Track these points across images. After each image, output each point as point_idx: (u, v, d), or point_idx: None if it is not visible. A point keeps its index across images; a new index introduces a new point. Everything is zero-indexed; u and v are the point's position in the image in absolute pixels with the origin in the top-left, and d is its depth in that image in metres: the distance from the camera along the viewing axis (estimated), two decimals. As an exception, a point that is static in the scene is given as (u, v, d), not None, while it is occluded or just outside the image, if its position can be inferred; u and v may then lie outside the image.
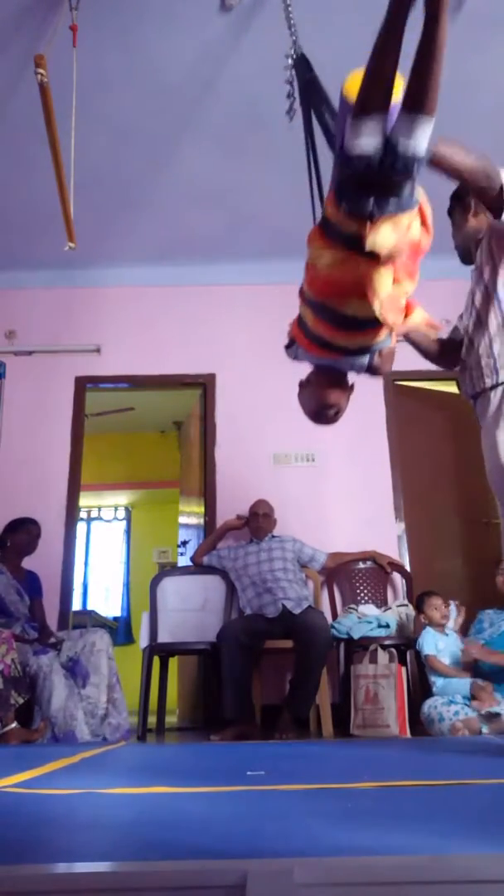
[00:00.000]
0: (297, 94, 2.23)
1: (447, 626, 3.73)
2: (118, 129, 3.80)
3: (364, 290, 1.54)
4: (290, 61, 2.32)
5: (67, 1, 2.95)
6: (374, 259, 1.50)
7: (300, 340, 1.80)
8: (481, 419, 2.07)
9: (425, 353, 2.33)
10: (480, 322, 2.09)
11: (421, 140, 1.42)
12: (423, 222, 1.57)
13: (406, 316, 1.68)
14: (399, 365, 4.65)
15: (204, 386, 4.88)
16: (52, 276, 4.97)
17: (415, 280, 1.63)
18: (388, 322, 1.61)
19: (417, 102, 1.39)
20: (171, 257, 4.93)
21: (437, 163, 1.72)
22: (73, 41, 2.92)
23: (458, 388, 2.20)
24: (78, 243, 3.23)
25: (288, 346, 1.87)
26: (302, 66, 2.22)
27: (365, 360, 1.79)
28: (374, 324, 1.64)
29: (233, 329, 4.90)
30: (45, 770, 1.90)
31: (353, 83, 1.46)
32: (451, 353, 2.28)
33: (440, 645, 3.61)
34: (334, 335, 1.70)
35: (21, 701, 3.13)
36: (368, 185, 1.44)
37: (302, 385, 1.92)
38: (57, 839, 1.01)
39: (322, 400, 1.88)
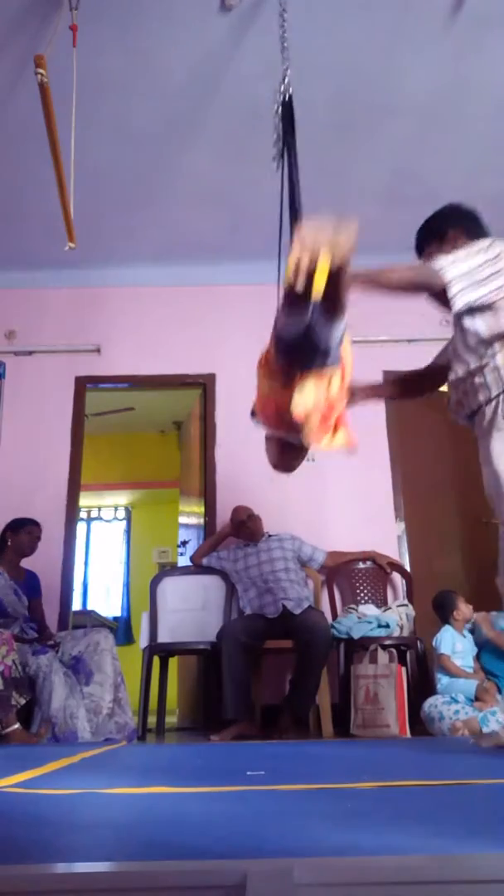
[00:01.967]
0: (281, 136, 2.49)
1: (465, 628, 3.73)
2: (118, 129, 3.80)
3: (296, 417, 1.86)
4: (278, 105, 2.53)
5: (67, 1, 2.95)
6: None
7: (261, 416, 2.10)
8: (478, 434, 2.13)
9: (394, 398, 2.58)
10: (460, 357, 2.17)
11: (335, 334, 1.72)
12: (343, 375, 1.89)
13: (334, 432, 1.98)
14: (399, 365, 4.66)
15: (204, 386, 4.88)
16: (52, 276, 4.97)
17: (342, 408, 1.98)
18: (311, 445, 1.98)
19: (330, 309, 1.63)
20: (171, 257, 4.93)
21: (370, 290, 1.84)
22: (73, 41, 2.91)
23: (453, 417, 2.26)
24: (78, 243, 3.23)
25: (252, 415, 2.15)
26: (287, 111, 2.48)
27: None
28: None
29: (233, 329, 4.90)
30: (45, 770, 1.90)
31: (287, 274, 1.64)
32: (423, 380, 2.48)
33: (458, 647, 3.61)
34: (282, 428, 2.03)
35: (22, 702, 3.13)
36: (297, 354, 1.79)
37: (266, 439, 2.23)
38: (57, 839, 1.01)
39: (275, 463, 2.24)
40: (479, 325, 2.00)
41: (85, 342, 4.90)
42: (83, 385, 4.87)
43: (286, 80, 2.62)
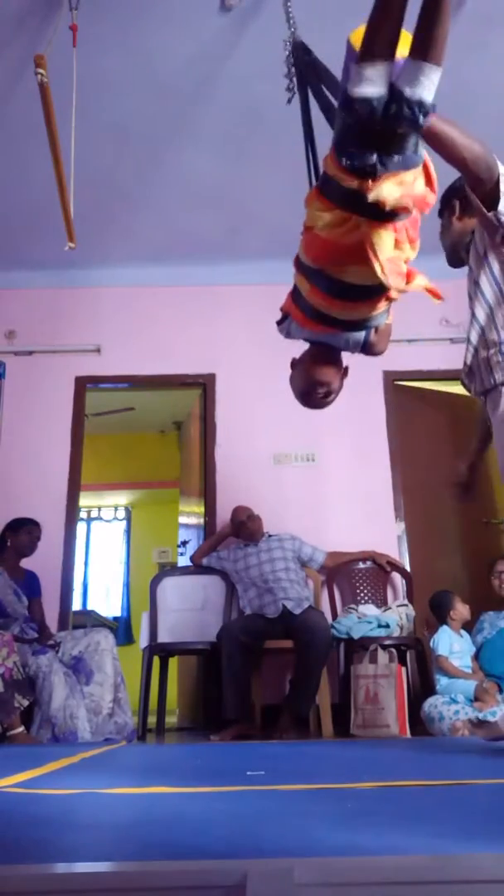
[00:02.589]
0: (294, 77, 2.18)
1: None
2: (118, 129, 3.80)
3: (364, 254, 1.44)
4: (287, 46, 2.27)
5: (67, 1, 2.95)
6: (376, 219, 1.43)
7: (294, 314, 1.71)
8: (491, 414, 2.03)
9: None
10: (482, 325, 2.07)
11: (427, 89, 1.34)
12: (428, 180, 1.49)
13: (408, 282, 1.55)
14: (399, 365, 4.65)
15: (204, 386, 4.88)
16: (52, 276, 4.97)
17: (416, 246, 1.54)
18: (389, 285, 1.48)
19: (424, 50, 1.30)
20: (170, 257, 4.93)
21: (436, 139, 1.59)
22: (73, 41, 2.92)
23: (466, 389, 2.15)
24: (78, 243, 3.23)
25: (280, 322, 1.79)
26: (300, 50, 2.16)
27: (361, 335, 1.72)
28: (374, 293, 1.57)
29: (233, 329, 4.90)
30: (45, 770, 1.90)
31: (359, 33, 1.39)
32: None
33: (455, 647, 3.61)
34: (331, 305, 1.61)
35: (25, 703, 3.14)
36: (370, 138, 1.35)
37: (293, 364, 1.84)
38: (57, 839, 1.01)
39: (313, 377, 1.78)
40: (501, 281, 1.91)
41: (85, 342, 4.90)
42: (83, 385, 4.87)
43: (292, 26, 2.47)
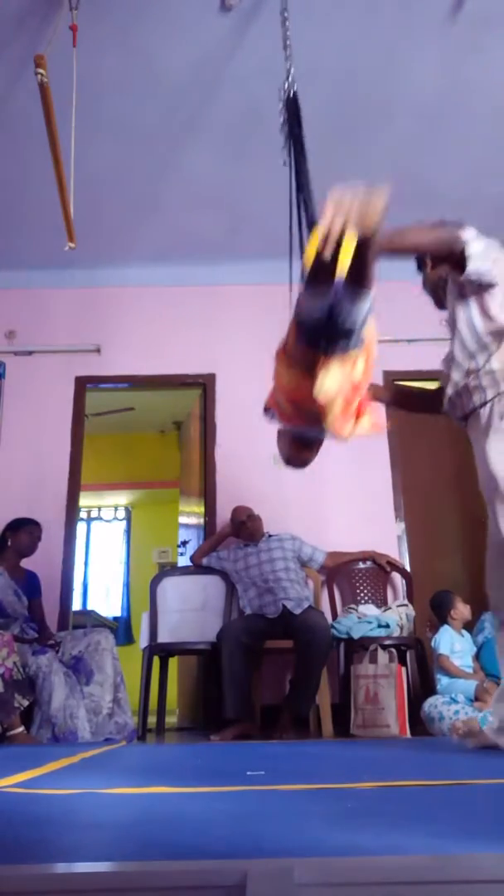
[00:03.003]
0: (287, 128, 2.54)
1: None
2: (118, 129, 3.80)
3: (318, 406, 1.81)
4: (282, 98, 2.56)
5: (67, 1, 2.95)
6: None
7: (275, 409, 2.07)
8: (473, 436, 2.17)
9: (392, 404, 2.64)
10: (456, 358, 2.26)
11: (361, 308, 1.67)
12: (368, 359, 1.85)
13: (357, 418, 1.91)
14: (399, 365, 4.66)
15: (204, 386, 4.88)
16: (52, 276, 4.97)
17: (357, 399, 1.90)
18: (337, 434, 1.88)
19: (357, 279, 1.59)
20: (171, 257, 4.93)
21: (398, 251, 1.95)
22: (73, 41, 2.92)
23: (449, 415, 2.31)
24: (78, 243, 3.23)
25: (266, 411, 2.13)
26: (293, 105, 2.51)
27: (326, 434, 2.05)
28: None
29: (233, 329, 4.90)
30: (45, 770, 1.90)
31: (310, 250, 1.68)
32: (426, 402, 2.57)
33: (456, 646, 3.61)
34: (301, 422, 1.97)
35: (25, 703, 3.14)
36: (319, 337, 1.73)
37: (279, 434, 2.23)
38: (57, 839, 1.01)
39: (288, 458, 2.27)
40: (474, 311, 2.09)
41: (85, 342, 4.90)
42: (83, 385, 4.87)
43: (290, 77, 2.62)
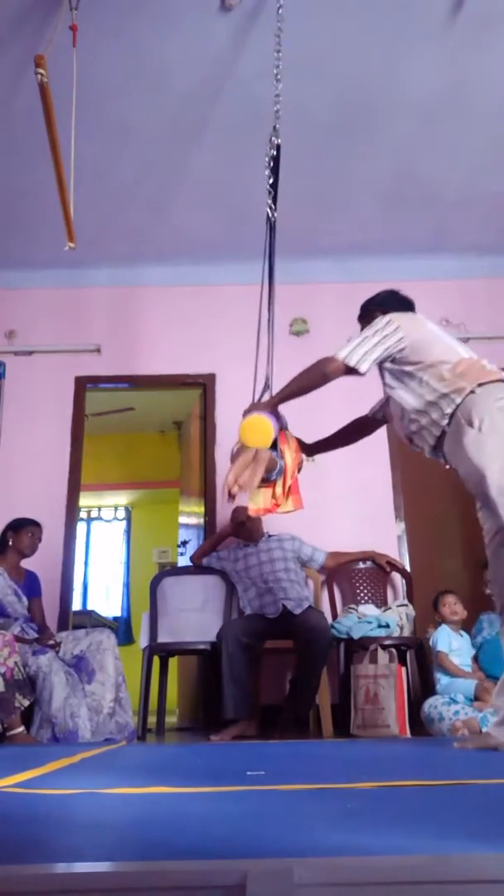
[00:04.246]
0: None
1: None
2: (118, 129, 3.80)
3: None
4: (270, 157, 2.73)
5: (67, 1, 2.95)
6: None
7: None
8: (449, 456, 2.40)
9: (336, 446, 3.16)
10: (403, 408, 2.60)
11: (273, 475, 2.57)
12: (285, 477, 2.61)
13: (286, 496, 2.65)
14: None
15: (204, 386, 4.88)
16: (52, 276, 4.97)
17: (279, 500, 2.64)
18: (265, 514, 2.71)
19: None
20: (171, 257, 4.93)
21: (299, 395, 2.57)
22: (73, 41, 2.92)
23: (423, 453, 2.58)
24: (78, 243, 3.23)
25: (229, 497, 2.58)
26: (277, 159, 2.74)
27: None
28: None
29: (233, 329, 4.89)
30: (45, 770, 1.90)
31: (242, 430, 2.55)
32: (356, 433, 3.11)
33: (454, 644, 3.61)
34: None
35: (26, 703, 3.13)
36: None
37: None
38: (57, 839, 1.01)
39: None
40: (406, 397, 2.46)
41: (85, 342, 4.90)
42: (83, 385, 4.87)
43: (276, 129, 2.72)
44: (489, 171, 4.20)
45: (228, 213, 4.48)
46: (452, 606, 3.70)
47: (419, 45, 3.37)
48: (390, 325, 2.47)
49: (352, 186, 4.31)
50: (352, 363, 2.40)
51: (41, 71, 2.50)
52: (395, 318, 2.51)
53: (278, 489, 2.55)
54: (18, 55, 3.28)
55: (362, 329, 2.63)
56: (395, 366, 2.49)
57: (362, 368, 2.41)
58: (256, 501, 2.52)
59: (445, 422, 2.35)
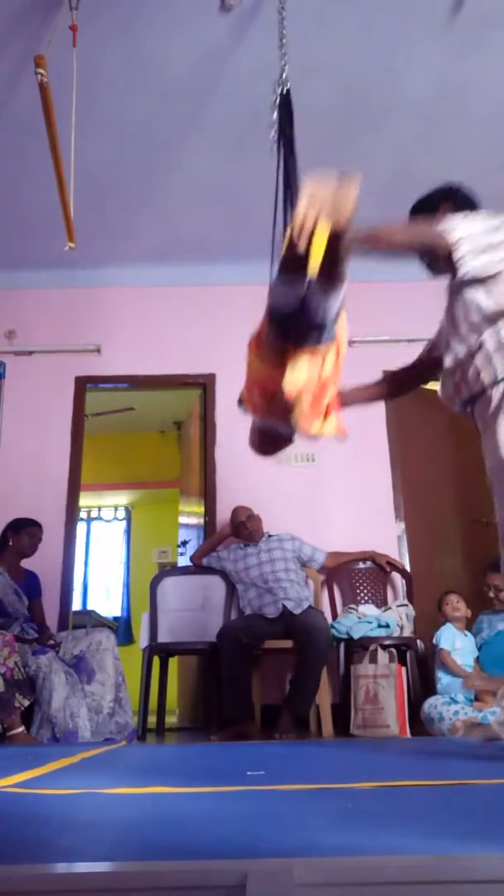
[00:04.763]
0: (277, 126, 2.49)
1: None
2: (118, 128, 3.80)
3: (287, 399, 1.82)
4: (276, 95, 2.53)
5: (67, 1, 2.95)
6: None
7: (248, 402, 2.08)
8: (480, 422, 1.98)
9: (384, 396, 2.51)
10: (461, 332, 2.03)
11: (332, 304, 1.67)
12: (338, 353, 1.87)
13: (325, 417, 1.93)
14: (399, 365, 4.65)
15: (204, 386, 4.88)
16: (52, 276, 4.96)
17: (325, 397, 1.92)
18: (303, 431, 1.90)
19: (328, 275, 1.58)
20: (171, 257, 4.92)
21: (384, 249, 1.85)
22: (73, 41, 2.91)
23: (448, 404, 2.13)
24: (78, 243, 3.23)
25: (240, 403, 2.15)
26: (286, 104, 2.48)
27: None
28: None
29: (233, 329, 4.87)
30: (45, 770, 1.90)
31: (285, 242, 1.67)
32: (412, 376, 2.41)
33: (457, 644, 3.61)
34: (271, 416, 1.99)
35: (26, 703, 3.13)
36: (290, 329, 1.74)
37: (251, 425, 2.25)
38: (57, 839, 1.01)
39: (255, 449, 2.27)
40: (482, 297, 1.90)
41: (85, 342, 4.90)
42: (83, 385, 4.87)
43: (284, 75, 2.60)
44: (489, 171, 4.19)
45: (228, 213, 4.48)
46: (455, 604, 3.70)
47: (419, 46, 3.37)
48: (500, 228, 1.87)
49: (352, 186, 4.31)
50: (459, 253, 1.81)
51: (41, 71, 2.50)
52: (500, 216, 1.94)
53: (328, 363, 1.82)
54: (18, 55, 3.28)
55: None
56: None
57: (462, 269, 1.82)
58: (298, 374, 1.79)
59: (488, 378, 1.89)
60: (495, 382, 1.87)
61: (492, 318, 1.88)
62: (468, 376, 1.95)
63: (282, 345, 1.77)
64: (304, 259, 1.51)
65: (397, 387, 2.47)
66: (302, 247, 1.49)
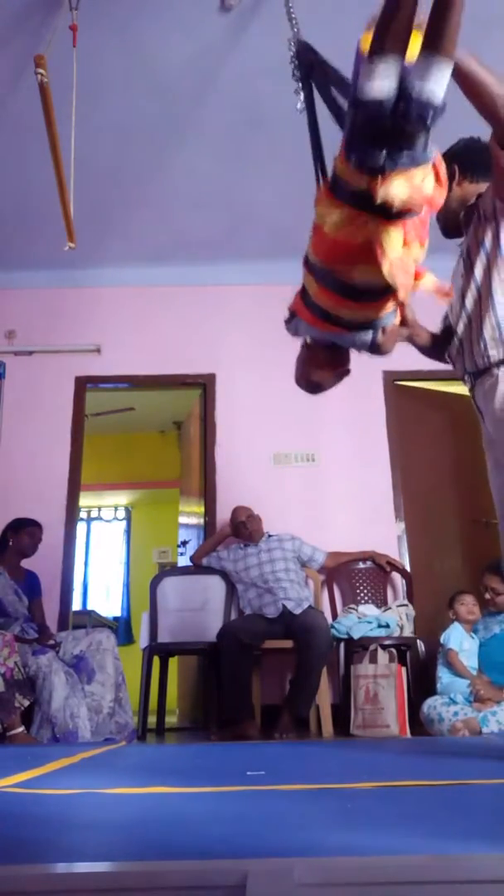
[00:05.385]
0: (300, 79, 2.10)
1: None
2: (118, 129, 3.80)
3: (372, 254, 1.43)
4: (292, 46, 2.24)
5: (67, 1, 2.95)
6: (385, 217, 1.41)
7: (301, 313, 1.72)
8: (484, 403, 1.90)
9: (422, 349, 2.20)
10: (481, 296, 1.92)
11: (438, 85, 1.29)
12: (437, 178, 1.48)
13: (416, 280, 1.55)
14: (399, 365, 4.66)
15: (204, 386, 4.88)
16: (52, 276, 4.96)
17: (424, 244, 1.52)
18: (397, 284, 1.47)
19: (434, 43, 1.28)
20: (171, 257, 4.92)
21: (466, 81, 1.56)
22: (73, 41, 2.92)
23: (454, 366, 2.02)
24: (78, 243, 3.23)
25: (288, 321, 1.79)
26: (304, 51, 2.08)
27: (368, 336, 1.69)
28: (382, 294, 1.56)
29: (233, 329, 4.90)
30: (45, 770, 1.90)
31: (368, 38, 1.38)
32: (445, 343, 2.12)
33: (465, 645, 3.61)
34: (338, 306, 1.62)
35: (26, 703, 3.13)
36: (380, 136, 1.34)
37: (302, 348, 1.89)
38: (57, 839, 1.01)
39: (307, 376, 1.89)
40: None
41: (85, 342, 4.90)
42: (83, 385, 4.87)
43: (295, 27, 2.44)
44: (489, 171, 4.20)
45: (228, 213, 4.48)
46: (470, 607, 3.70)
47: (419, 45, 3.37)
48: None
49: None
50: None
51: (41, 71, 2.50)
52: None
53: (428, 182, 1.44)
54: (18, 55, 3.28)
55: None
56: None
57: None
58: (396, 186, 1.35)
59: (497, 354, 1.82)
60: (501, 362, 1.81)
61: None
62: (475, 350, 1.87)
63: (368, 173, 1.37)
64: (405, 23, 1.29)
65: (437, 348, 2.17)
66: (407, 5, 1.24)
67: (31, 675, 3.24)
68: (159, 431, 7.77)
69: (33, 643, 3.41)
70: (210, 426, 4.76)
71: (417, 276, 1.54)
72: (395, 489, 4.60)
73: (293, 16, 2.52)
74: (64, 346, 4.88)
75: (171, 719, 5.02)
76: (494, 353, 1.84)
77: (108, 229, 4.57)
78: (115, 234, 4.65)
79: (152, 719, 3.97)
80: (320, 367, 1.86)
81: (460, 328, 1.96)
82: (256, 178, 4.14)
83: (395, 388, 4.76)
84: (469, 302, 1.92)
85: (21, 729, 3.09)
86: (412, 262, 1.50)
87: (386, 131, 1.34)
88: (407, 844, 0.91)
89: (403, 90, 1.31)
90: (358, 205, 1.42)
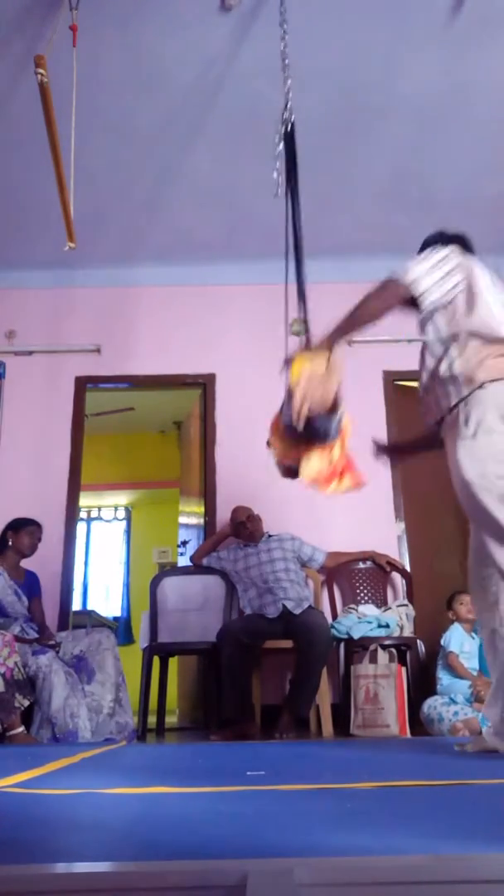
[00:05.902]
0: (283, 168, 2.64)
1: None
2: (118, 129, 3.80)
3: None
4: (281, 133, 2.62)
5: (67, 1, 2.95)
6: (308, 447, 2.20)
7: (274, 446, 2.35)
8: (448, 441, 2.20)
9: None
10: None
11: (333, 422, 2.12)
12: (342, 442, 2.23)
13: (340, 479, 2.30)
14: (399, 365, 4.69)
15: (204, 386, 4.88)
16: (52, 276, 4.97)
17: (338, 469, 2.29)
18: (322, 492, 2.34)
19: (329, 413, 2.04)
20: (171, 257, 4.93)
21: (361, 328, 2.22)
22: (73, 41, 2.92)
23: (424, 419, 2.35)
24: (78, 243, 3.23)
25: (268, 445, 2.38)
26: (290, 141, 2.59)
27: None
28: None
29: (233, 329, 4.90)
30: (45, 770, 1.90)
31: (294, 369, 2.02)
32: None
33: (465, 646, 3.61)
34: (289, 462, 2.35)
35: (26, 703, 3.14)
36: (300, 436, 2.12)
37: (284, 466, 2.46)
38: (57, 839, 1.01)
39: (283, 476, 2.46)
40: (440, 321, 2.16)
41: (85, 342, 4.90)
42: (83, 385, 4.87)
43: (289, 106, 2.65)
44: (489, 171, 4.20)
45: (228, 213, 4.48)
46: (470, 606, 3.70)
47: (419, 46, 3.37)
48: (448, 258, 2.13)
49: (351, 186, 4.31)
50: (419, 290, 2.07)
51: (41, 71, 2.50)
52: (453, 252, 2.18)
53: (335, 452, 2.23)
54: (18, 55, 3.28)
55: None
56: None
57: (426, 301, 2.09)
58: (311, 466, 2.21)
59: (445, 404, 2.14)
60: (450, 409, 2.11)
61: (445, 342, 2.14)
62: (433, 400, 2.22)
63: (295, 443, 2.17)
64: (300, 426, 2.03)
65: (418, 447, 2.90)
66: (300, 426, 2.00)
67: (31, 676, 3.24)
68: (159, 431, 7.77)
69: (33, 643, 3.41)
70: (210, 426, 4.76)
71: (343, 474, 2.30)
72: (395, 489, 4.60)
73: (289, 96, 2.69)
74: (64, 346, 4.89)
75: (171, 719, 5.02)
76: (444, 405, 2.17)
77: (109, 229, 4.58)
78: (116, 234, 4.66)
79: (152, 719, 3.97)
80: (291, 474, 2.40)
81: (420, 391, 2.33)
82: (256, 178, 4.13)
83: (395, 387, 4.75)
84: (423, 371, 2.30)
85: (21, 729, 3.09)
86: (335, 475, 2.28)
87: (303, 437, 2.12)
88: (407, 844, 0.91)
89: (312, 424, 2.06)
90: (293, 447, 2.22)
